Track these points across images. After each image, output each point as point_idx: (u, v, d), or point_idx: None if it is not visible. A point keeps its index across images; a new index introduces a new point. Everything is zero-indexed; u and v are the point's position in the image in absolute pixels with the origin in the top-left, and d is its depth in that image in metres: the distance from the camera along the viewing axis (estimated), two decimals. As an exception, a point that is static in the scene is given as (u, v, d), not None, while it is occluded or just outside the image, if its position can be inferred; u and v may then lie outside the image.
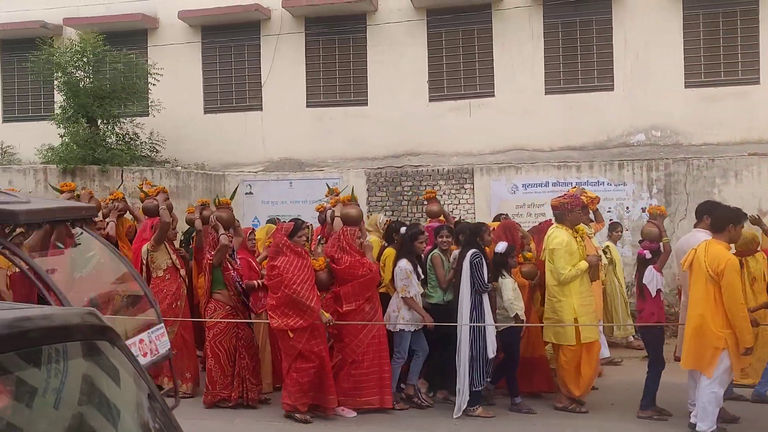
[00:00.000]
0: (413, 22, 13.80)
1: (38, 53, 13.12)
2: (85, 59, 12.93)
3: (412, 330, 7.24)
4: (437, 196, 10.51)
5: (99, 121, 13.18)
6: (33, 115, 15.22)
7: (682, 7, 12.86)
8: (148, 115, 13.96)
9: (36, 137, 13.72)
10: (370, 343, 7.01)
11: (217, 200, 8.15)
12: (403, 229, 7.71)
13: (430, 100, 13.82)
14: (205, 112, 14.76)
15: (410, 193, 13.25)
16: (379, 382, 7.03)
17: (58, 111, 13.35)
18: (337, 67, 14.34)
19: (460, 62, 13.78)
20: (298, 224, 7.13)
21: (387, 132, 13.77)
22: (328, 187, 9.88)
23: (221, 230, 7.37)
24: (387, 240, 7.98)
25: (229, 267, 7.34)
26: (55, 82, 13.47)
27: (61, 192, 8.71)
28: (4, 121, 15.48)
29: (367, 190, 13.35)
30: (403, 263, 7.19)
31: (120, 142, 13.35)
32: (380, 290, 7.47)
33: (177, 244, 8.91)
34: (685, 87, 12.86)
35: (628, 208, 12.30)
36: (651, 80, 12.87)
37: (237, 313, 7.36)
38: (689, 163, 12.28)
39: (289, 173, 13.90)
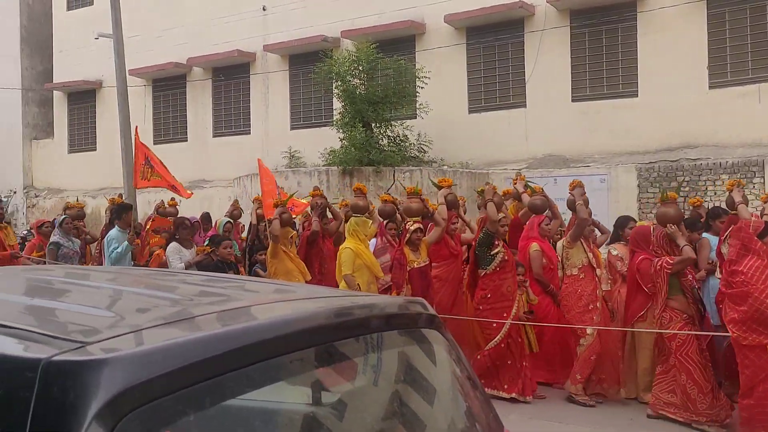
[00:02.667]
0: (690, 4, 12.74)
1: (320, 65, 14.34)
2: (360, 68, 13.88)
3: None
4: (719, 191, 9.58)
5: (373, 125, 14.04)
6: (316, 122, 16.71)
7: None
8: (416, 117, 14.58)
9: (318, 142, 15.06)
10: None
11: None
12: None
13: (711, 87, 12.66)
14: (470, 111, 15.04)
15: (687, 188, 12.26)
16: None
17: (337, 117, 14.48)
18: (605, 59, 13.75)
19: (747, 44, 12.44)
20: None
21: (659, 123, 12.90)
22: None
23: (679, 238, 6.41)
24: None
25: (686, 272, 6.44)
26: (335, 91, 14.62)
27: (440, 188, 8.08)
28: (292, 128, 17.18)
29: (638, 186, 12.64)
30: None
31: (391, 144, 14.13)
32: None
33: None
34: None
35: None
36: None
37: (694, 322, 6.32)
38: None
39: (554, 170, 13.63)
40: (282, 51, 17.12)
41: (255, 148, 17.29)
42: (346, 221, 8.20)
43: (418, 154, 14.36)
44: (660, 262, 6.26)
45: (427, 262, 7.29)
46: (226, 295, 2.28)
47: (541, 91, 14.16)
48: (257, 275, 8.74)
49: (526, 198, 8.58)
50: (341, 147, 13.87)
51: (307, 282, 7.91)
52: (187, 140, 18.81)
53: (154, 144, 18.95)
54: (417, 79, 14.25)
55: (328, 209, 8.96)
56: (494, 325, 6.91)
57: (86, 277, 2.72)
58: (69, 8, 21.11)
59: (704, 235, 7.41)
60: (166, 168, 10.22)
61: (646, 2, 13.19)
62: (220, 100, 18.51)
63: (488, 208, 7.10)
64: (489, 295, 7.02)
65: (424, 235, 7.39)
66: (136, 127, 10.85)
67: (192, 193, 11.40)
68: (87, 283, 2.52)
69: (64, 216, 9.97)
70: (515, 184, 9.61)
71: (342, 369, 2.17)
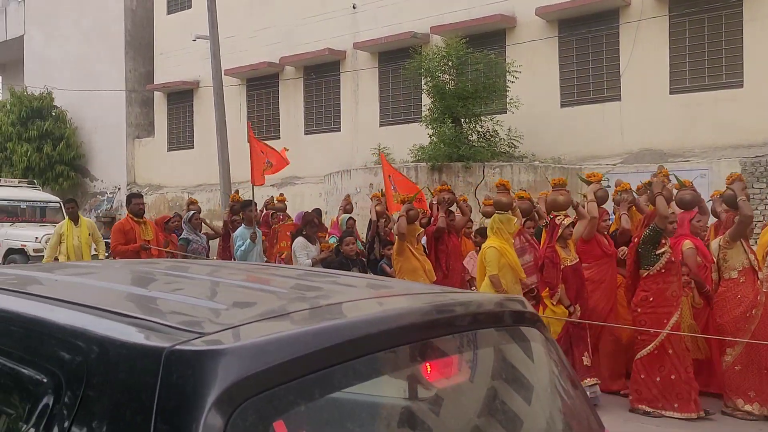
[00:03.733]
0: (802, -12, 12.03)
1: (410, 61, 14.38)
2: (450, 63, 13.83)
3: None
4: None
5: (462, 121, 13.97)
6: (404, 119, 16.78)
7: None
8: (506, 112, 14.41)
9: (407, 138, 15.11)
10: None
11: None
12: None
13: (824, 76, 11.92)
14: (562, 105, 14.73)
15: (798, 184, 11.59)
16: None
17: (426, 113, 14.49)
18: (706, 48, 13.16)
19: None
20: None
21: (766, 115, 12.23)
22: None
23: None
24: None
25: None
26: (424, 87, 14.63)
27: (588, 183, 7.76)
28: (381, 125, 17.32)
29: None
30: None
31: (481, 140, 14.02)
32: None
33: None
34: None
35: None
36: None
37: None
38: None
39: (650, 164, 13.14)
40: (371, 48, 17.26)
41: (345, 145, 17.55)
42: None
43: (508, 149, 14.19)
44: None
45: (578, 260, 6.96)
46: (328, 290, 2.34)
47: (638, 83, 13.70)
48: (384, 272, 8.66)
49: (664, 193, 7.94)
50: (430, 143, 13.88)
51: (433, 281, 7.78)
52: (280, 137, 19.25)
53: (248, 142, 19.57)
54: (507, 74, 14.07)
55: (455, 204, 8.76)
56: (651, 330, 6.38)
57: (194, 270, 2.84)
58: (169, 12, 22.01)
59: None
60: (276, 152, 10.41)
61: (753, -12, 12.54)
62: (312, 97, 18.86)
63: (658, 203, 6.48)
64: (651, 298, 6.46)
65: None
66: (249, 123, 11.14)
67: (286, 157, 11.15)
68: (195, 276, 2.63)
69: (192, 212, 10.26)
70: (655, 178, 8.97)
71: (440, 365, 2.19)
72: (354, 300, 2.11)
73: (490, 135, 14.18)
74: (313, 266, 8.08)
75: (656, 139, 13.44)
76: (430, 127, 14.06)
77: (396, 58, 16.45)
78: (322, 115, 18.58)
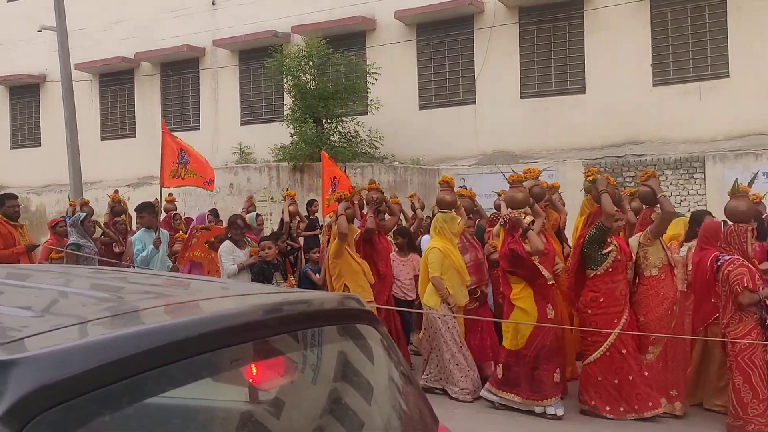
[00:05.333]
0: (634, 4, 13.03)
1: (270, 60, 14.22)
2: (311, 63, 13.81)
3: None
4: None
5: (324, 121, 14.00)
6: (266, 118, 16.57)
7: None
8: (367, 113, 14.59)
9: (269, 137, 14.95)
10: None
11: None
12: None
13: (654, 85, 12.97)
14: (420, 108, 15.11)
15: (633, 184, 12.53)
16: None
17: (287, 113, 14.38)
18: (553, 56, 13.97)
19: (688, 42, 12.79)
20: None
21: (606, 120, 13.17)
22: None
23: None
24: None
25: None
26: (285, 86, 14.53)
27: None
28: (242, 124, 17.01)
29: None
30: None
31: (342, 140, 14.10)
32: None
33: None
34: None
35: None
36: None
37: (763, 325, 5.81)
38: None
39: (502, 165, 13.75)
40: (232, 46, 16.92)
41: (204, 144, 17.02)
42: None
43: (369, 150, 14.37)
44: (735, 273, 5.63)
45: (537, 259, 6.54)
46: (156, 293, 2.25)
47: (491, 87, 14.31)
48: (309, 279, 8.25)
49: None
50: (292, 143, 13.80)
51: (372, 284, 7.45)
52: (135, 136, 18.45)
53: (102, 140, 18.58)
54: (368, 75, 14.24)
55: (384, 204, 8.33)
56: (603, 331, 6.13)
57: (26, 277, 2.65)
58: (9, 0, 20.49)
59: None
60: (204, 160, 9.48)
61: (593, 1, 13.43)
62: (169, 95, 18.21)
63: (603, 201, 6.19)
64: (602, 299, 6.20)
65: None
66: (163, 120, 10.38)
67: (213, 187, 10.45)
68: (22, 283, 2.45)
69: (83, 214, 9.09)
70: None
71: (275, 365, 2.16)
72: (178, 303, 2.05)
73: (352, 136, 14.30)
74: (239, 272, 7.59)
75: (508, 141, 14.09)
76: (291, 126, 13.97)
77: (257, 56, 16.21)
78: (181, 113, 17.98)
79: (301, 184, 13.20)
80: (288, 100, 14.69)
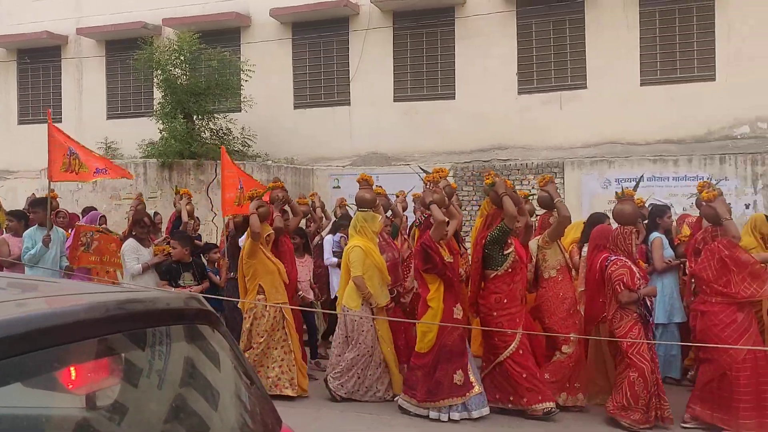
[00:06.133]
0: (502, 14, 13.58)
1: (140, 53, 13.68)
2: (182, 57, 13.39)
3: None
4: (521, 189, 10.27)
5: (195, 117, 13.62)
6: (134, 112, 15.92)
7: (792, -10, 12.13)
8: (240, 111, 14.34)
9: (137, 133, 14.35)
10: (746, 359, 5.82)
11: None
12: None
13: (519, 93, 13.58)
14: (295, 107, 15.03)
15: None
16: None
17: (157, 107, 13.88)
18: (425, 61, 14.30)
19: (550, 54, 13.47)
20: None
21: (474, 125, 13.64)
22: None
23: None
24: None
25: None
26: (155, 80, 14.01)
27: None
28: (108, 117, 16.25)
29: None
30: None
31: (214, 137, 13.78)
32: None
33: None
34: (794, 76, 12.11)
35: (730, 204, 11.68)
36: (755, 69, 12.17)
37: (643, 321, 6.10)
38: (798, 156, 11.58)
39: (376, 167, 13.97)
40: (98, 36, 16.13)
41: (66, 138, 16.15)
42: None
43: (242, 148, 14.12)
44: (616, 273, 5.98)
45: (452, 260, 6.53)
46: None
47: (365, 89, 14.45)
48: (209, 279, 7.88)
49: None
50: (161, 139, 13.33)
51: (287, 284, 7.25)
52: (-13, 126, 17.20)
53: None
54: (242, 72, 14.00)
55: (287, 204, 8.09)
56: (509, 331, 6.29)
57: None
58: None
59: (655, 234, 7.41)
60: (93, 153, 8.72)
61: (463, 9, 13.88)
62: (27, 84, 17.10)
63: (506, 203, 6.31)
64: (505, 300, 6.35)
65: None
66: (49, 111, 9.49)
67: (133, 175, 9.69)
68: None
69: None
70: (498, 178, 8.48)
71: (106, 367, 2.08)
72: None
73: (224, 133, 14.00)
74: (143, 273, 7.27)
75: (382, 143, 14.29)
76: (160, 122, 13.50)
77: (125, 48, 15.53)
78: (40, 104, 16.91)
79: (170, 181, 12.77)
80: (158, 95, 14.18)
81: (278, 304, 6.97)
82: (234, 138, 14.10)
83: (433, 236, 6.33)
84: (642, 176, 11.61)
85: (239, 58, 14.49)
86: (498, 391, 6.42)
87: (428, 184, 6.71)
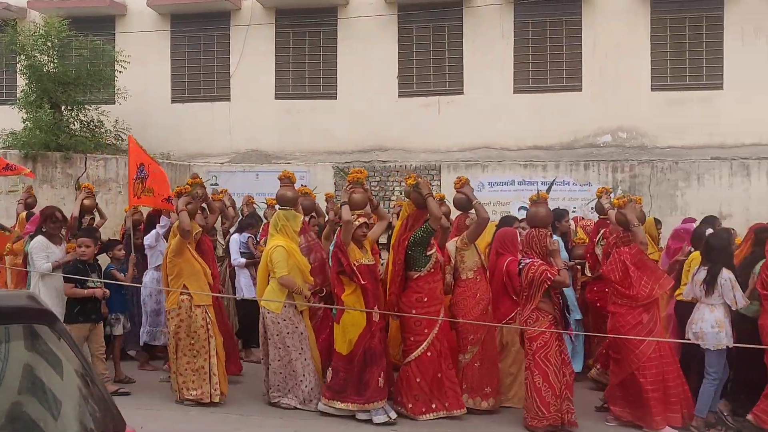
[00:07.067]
0: (384, 17, 13.78)
1: (1, 36, 12.84)
2: (49, 43, 12.69)
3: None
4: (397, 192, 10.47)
5: (63, 107, 12.94)
6: (-6, 100, 14.92)
7: (650, 12, 13.03)
8: (114, 102, 13.76)
9: (-3, 121, 13.46)
10: (651, 358, 6.09)
11: None
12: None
13: (400, 96, 13.82)
14: (173, 101, 14.61)
15: (377, 188, 13.24)
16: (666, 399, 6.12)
17: (20, 96, 13.08)
18: (307, 60, 14.27)
19: (430, 59, 13.80)
20: None
21: (355, 126, 13.76)
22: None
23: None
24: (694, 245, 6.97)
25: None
26: (18, 66, 13.20)
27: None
28: (-36, 104, 15.14)
29: (335, 184, 13.31)
30: (727, 273, 6.14)
31: (84, 129, 13.15)
32: (678, 297, 6.77)
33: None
34: (652, 90, 13.03)
35: (593, 208, 12.42)
36: (618, 82, 13.01)
37: (558, 323, 6.16)
38: (653, 165, 12.47)
39: (256, 165, 13.82)
40: (-46, 15, 14.99)
41: None
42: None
43: (114, 141, 13.53)
44: (539, 270, 6.04)
45: (374, 262, 6.51)
46: None
47: (246, 86, 14.25)
48: (114, 278, 7.47)
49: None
50: (24, 129, 12.57)
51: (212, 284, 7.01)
52: None
53: None
54: (116, 63, 13.43)
55: (205, 201, 7.80)
56: (426, 330, 6.32)
57: None
58: None
59: (553, 237, 7.32)
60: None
61: (346, 10, 13.97)
62: None
63: (430, 204, 6.32)
64: (425, 299, 6.40)
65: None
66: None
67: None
68: None
69: None
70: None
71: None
72: None
73: (95, 125, 13.38)
74: (53, 271, 6.75)
75: (262, 140, 14.14)
76: (24, 111, 12.72)
77: (-15, 30, 14.52)
78: None
79: (34, 174, 12.04)
80: (22, 82, 13.35)
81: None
82: (107, 131, 13.50)
83: (342, 238, 6.31)
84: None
85: (114, 47, 13.88)
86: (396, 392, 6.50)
87: (349, 184, 6.63)
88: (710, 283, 6.13)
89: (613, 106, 13.01)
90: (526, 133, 13.22)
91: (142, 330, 8.09)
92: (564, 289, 6.33)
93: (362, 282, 6.27)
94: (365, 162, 13.62)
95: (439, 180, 13.01)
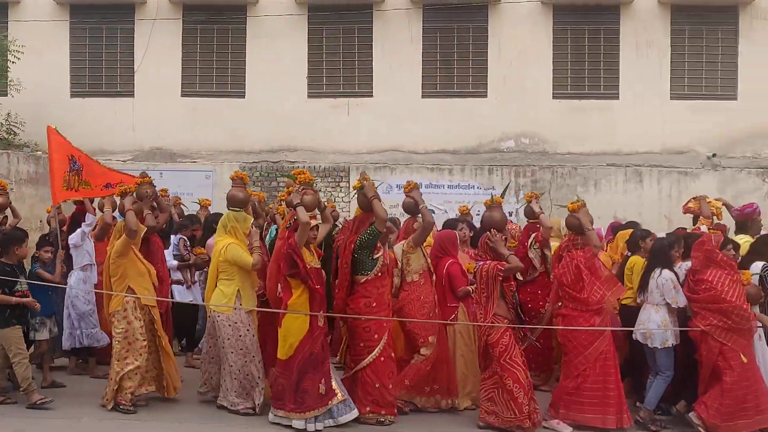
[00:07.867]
0: (294, 17, 13.70)
1: None
2: (-67, 30, 11.98)
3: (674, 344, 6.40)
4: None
5: (-51, 98, 12.24)
6: None
7: (552, 21, 13.52)
8: (6, 95, 13.10)
9: None
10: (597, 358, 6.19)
11: None
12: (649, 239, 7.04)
13: (309, 97, 13.77)
14: (72, 95, 14.04)
15: (285, 189, 13.10)
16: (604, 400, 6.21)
17: None
18: (215, 58, 14.02)
19: (339, 60, 13.82)
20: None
21: (263, 126, 13.61)
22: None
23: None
24: (631, 248, 7.21)
25: (508, 277, 6.39)
26: None
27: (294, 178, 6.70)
28: None
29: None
30: (668, 274, 6.34)
31: (-28, 122, 12.47)
32: (623, 301, 6.88)
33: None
34: (553, 98, 13.51)
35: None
36: (522, 89, 13.42)
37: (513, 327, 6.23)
38: (554, 170, 12.93)
39: (160, 163, 13.45)
40: None
41: None
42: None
43: (6, 135, 12.91)
44: (490, 267, 6.12)
45: (319, 266, 6.30)
46: None
47: (151, 82, 13.86)
48: (42, 278, 7.02)
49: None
50: None
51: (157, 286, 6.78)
52: None
53: None
54: (8, 53, 12.78)
55: (155, 200, 7.46)
56: (375, 336, 6.16)
57: None
58: None
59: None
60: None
61: (256, 8, 13.80)
62: None
63: (376, 206, 6.18)
64: (374, 304, 6.22)
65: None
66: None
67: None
68: None
69: None
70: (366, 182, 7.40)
71: None
72: None
73: (-16, 118, 12.72)
74: None
75: (167, 138, 13.78)
76: None
77: None
78: None
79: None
80: None
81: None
82: (-2, 124, 12.86)
83: (298, 240, 6.14)
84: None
85: (6, 36, 13.21)
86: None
87: (298, 186, 6.43)
88: (642, 286, 6.45)
89: (517, 113, 13.40)
90: (434, 137, 13.43)
91: (65, 333, 7.59)
92: None
93: (316, 285, 6.12)
94: (273, 162, 13.51)
95: (348, 182, 13.05)
